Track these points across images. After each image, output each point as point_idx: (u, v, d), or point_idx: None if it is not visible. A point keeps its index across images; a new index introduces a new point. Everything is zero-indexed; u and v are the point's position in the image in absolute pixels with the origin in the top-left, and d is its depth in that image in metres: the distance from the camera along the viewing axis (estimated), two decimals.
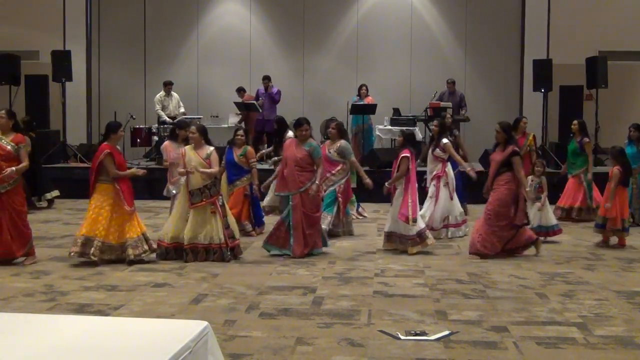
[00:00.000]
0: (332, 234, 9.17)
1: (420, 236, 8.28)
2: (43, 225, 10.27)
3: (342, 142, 9.51)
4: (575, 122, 10.97)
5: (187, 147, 8.06)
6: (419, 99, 15.71)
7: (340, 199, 9.31)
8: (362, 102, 14.17)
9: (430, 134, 10.33)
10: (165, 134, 12.72)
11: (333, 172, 9.29)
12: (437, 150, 9.43)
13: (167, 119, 14.31)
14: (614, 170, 8.73)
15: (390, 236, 8.50)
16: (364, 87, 14.39)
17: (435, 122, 9.95)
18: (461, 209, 9.64)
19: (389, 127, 14.09)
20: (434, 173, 9.41)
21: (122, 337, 3.14)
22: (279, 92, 14.74)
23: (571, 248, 8.73)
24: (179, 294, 6.42)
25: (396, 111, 14.48)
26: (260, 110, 14.39)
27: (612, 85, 14.30)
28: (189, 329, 3.20)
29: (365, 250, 8.54)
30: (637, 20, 15.66)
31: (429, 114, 14.03)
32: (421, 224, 8.36)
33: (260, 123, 14.50)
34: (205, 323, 3.29)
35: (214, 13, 17.02)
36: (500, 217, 8.08)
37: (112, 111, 15.19)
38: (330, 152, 9.38)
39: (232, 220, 8.09)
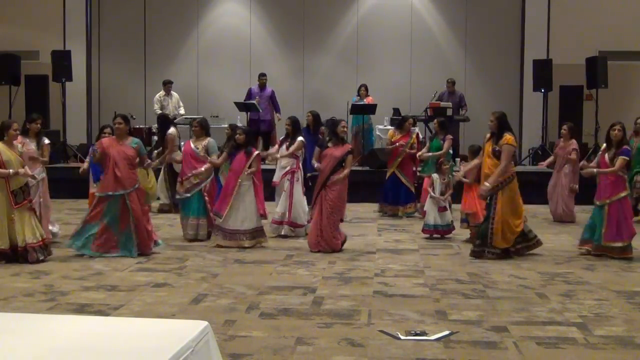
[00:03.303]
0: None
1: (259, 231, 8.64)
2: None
3: (210, 139, 9.29)
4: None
5: (0, 143, 7.75)
6: (419, 99, 15.72)
7: (206, 198, 9.10)
8: (362, 102, 14.17)
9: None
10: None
11: (198, 169, 9.02)
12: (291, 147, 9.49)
13: (159, 111, 14.33)
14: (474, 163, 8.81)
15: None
16: (363, 87, 14.38)
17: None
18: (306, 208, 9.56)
19: (389, 127, 14.09)
20: (287, 169, 9.45)
21: (122, 337, 3.14)
22: (273, 92, 14.76)
23: (571, 248, 8.72)
24: (179, 294, 6.42)
25: (396, 111, 14.48)
26: (261, 110, 14.37)
27: (612, 85, 14.31)
28: (189, 329, 3.19)
29: (365, 250, 8.54)
30: (637, 20, 15.67)
31: (428, 114, 14.03)
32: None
33: (255, 123, 14.35)
34: (205, 323, 3.29)
35: (214, 13, 17.03)
36: (338, 212, 8.56)
37: (112, 111, 15.12)
38: (197, 149, 9.15)
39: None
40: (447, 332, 5.28)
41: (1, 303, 6.08)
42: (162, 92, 14.69)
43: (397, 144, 11.08)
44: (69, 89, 15.30)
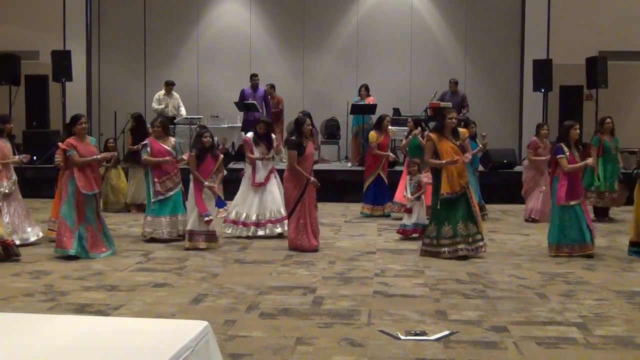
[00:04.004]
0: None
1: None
2: (44, 225, 10.25)
3: (173, 139, 9.32)
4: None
5: None
6: (419, 99, 15.72)
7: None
8: (362, 102, 14.16)
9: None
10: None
11: (176, 170, 9.12)
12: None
13: (159, 107, 14.36)
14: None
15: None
16: (363, 88, 14.36)
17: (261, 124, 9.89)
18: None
19: (389, 127, 14.07)
20: (270, 167, 9.51)
21: (122, 337, 3.14)
22: (266, 93, 14.77)
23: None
24: (179, 294, 6.42)
25: (396, 111, 14.48)
26: (261, 111, 14.37)
27: (612, 85, 14.31)
28: (189, 329, 3.19)
29: (365, 250, 8.54)
30: (637, 20, 15.67)
31: (429, 114, 14.03)
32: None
33: (251, 124, 14.28)
34: (205, 323, 3.29)
35: (214, 13, 17.03)
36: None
37: (112, 111, 15.21)
38: (171, 148, 9.15)
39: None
40: (447, 332, 5.28)
41: (1, 303, 6.09)
42: (162, 92, 14.68)
43: (386, 154, 11.17)
44: (69, 89, 15.29)
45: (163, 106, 14.51)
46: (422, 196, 9.27)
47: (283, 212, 9.19)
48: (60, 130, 15.05)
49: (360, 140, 14.31)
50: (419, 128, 10.83)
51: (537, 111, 15.04)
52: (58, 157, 8.35)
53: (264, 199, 9.36)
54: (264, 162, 9.44)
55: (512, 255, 8.26)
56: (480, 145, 11.15)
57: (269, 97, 14.75)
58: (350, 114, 14.32)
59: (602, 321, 5.63)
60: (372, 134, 11.37)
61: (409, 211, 9.31)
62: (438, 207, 8.01)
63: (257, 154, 9.42)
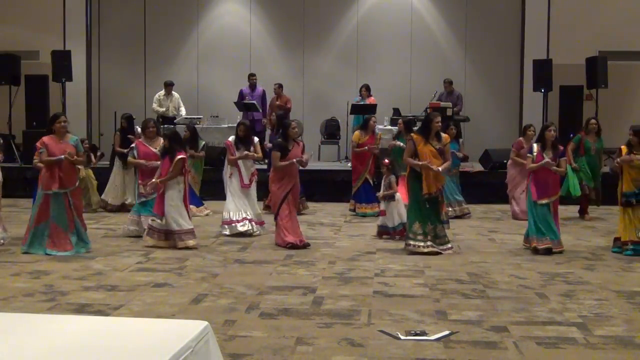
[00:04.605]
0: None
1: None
2: None
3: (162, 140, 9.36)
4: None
5: None
6: (419, 99, 15.73)
7: None
8: (363, 102, 14.16)
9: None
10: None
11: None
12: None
13: (161, 109, 14.36)
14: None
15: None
16: (364, 88, 14.34)
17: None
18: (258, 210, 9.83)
19: (389, 127, 14.09)
20: (253, 170, 9.68)
21: (122, 337, 3.13)
22: (264, 92, 14.77)
23: (571, 248, 8.73)
24: (179, 294, 6.42)
25: (396, 111, 14.48)
26: (260, 110, 14.38)
27: (612, 85, 14.31)
28: (190, 329, 3.19)
29: (365, 250, 8.54)
30: (637, 20, 15.67)
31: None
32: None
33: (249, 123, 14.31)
34: (205, 323, 3.29)
35: (214, 13, 17.03)
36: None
37: (112, 111, 15.20)
38: (156, 150, 9.25)
39: None
40: (447, 332, 5.28)
41: (1, 303, 6.08)
42: (162, 92, 14.69)
43: (367, 147, 11.19)
44: (69, 89, 15.30)
45: (164, 109, 14.51)
46: (398, 196, 9.27)
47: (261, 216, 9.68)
48: None
49: None
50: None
51: (537, 111, 15.04)
52: (36, 159, 8.39)
53: (250, 201, 9.59)
54: (246, 164, 9.61)
55: (512, 255, 8.27)
56: (460, 155, 11.37)
57: (277, 96, 14.76)
58: (350, 114, 14.32)
59: (602, 321, 5.63)
60: (356, 134, 11.49)
61: (382, 213, 9.38)
62: (412, 205, 8.34)
63: (235, 155, 9.62)
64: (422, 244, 8.21)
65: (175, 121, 14.11)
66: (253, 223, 9.50)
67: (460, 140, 11.52)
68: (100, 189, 11.85)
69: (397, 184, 9.31)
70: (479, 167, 13.75)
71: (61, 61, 14.72)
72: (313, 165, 13.50)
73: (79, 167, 9.98)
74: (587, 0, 15.89)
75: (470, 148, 15.29)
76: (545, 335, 5.26)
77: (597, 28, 15.55)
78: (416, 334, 5.23)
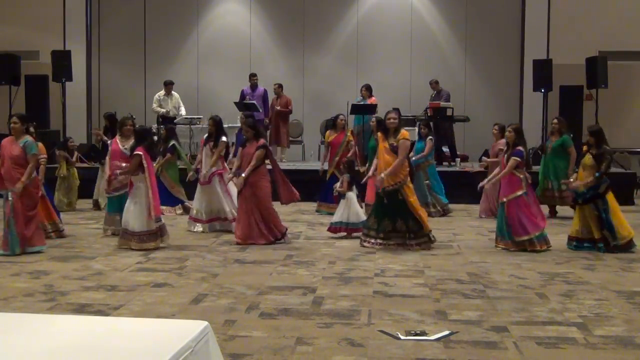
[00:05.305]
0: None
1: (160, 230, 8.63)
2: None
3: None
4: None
5: None
6: (419, 99, 15.73)
7: None
8: (363, 102, 14.14)
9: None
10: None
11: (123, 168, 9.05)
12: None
13: (161, 110, 14.36)
14: None
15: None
16: (364, 88, 14.31)
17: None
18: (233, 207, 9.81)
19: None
20: (214, 170, 9.73)
21: (122, 337, 3.13)
22: (265, 92, 14.77)
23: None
24: (179, 294, 6.42)
25: (396, 111, 14.43)
26: (261, 110, 14.38)
27: (612, 85, 14.31)
28: (189, 329, 3.19)
29: (365, 251, 8.54)
30: (637, 20, 15.67)
31: (428, 114, 14.02)
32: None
33: None
34: (205, 323, 3.29)
35: (214, 13, 17.04)
36: (270, 203, 8.93)
37: (112, 111, 15.17)
38: (125, 149, 9.17)
39: None
40: (447, 332, 5.28)
41: (1, 303, 6.08)
42: (162, 92, 14.69)
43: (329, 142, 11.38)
44: (69, 89, 15.31)
45: (165, 110, 14.51)
46: (350, 194, 9.29)
47: (229, 214, 9.68)
48: (60, 131, 15.07)
49: (360, 140, 14.27)
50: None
51: (537, 111, 15.05)
52: None
53: (212, 198, 9.72)
54: (206, 161, 9.76)
55: (512, 255, 8.26)
56: (425, 152, 11.38)
57: (277, 96, 14.73)
58: (351, 114, 14.30)
59: (602, 321, 5.63)
60: (327, 132, 11.74)
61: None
62: (375, 200, 8.75)
63: (202, 154, 9.88)
64: (372, 240, 8.60)
65: (175, 121, 14.11)
66: (215, 223, 9.70)
67: (429, 137, 11.45)
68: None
69: (353, 183, 9.48)
70: (478, 167, 13.74)
71: (61, 61, 14.73)
72: (313, 165, 13.51)
73: (69, 165, 10.15)
74: (587, 1, 15.89)
75: (470, 148, 15.33)
76: (545, 335, 5.26)
77: (597, 28, 15.55)
78: (416, 334, 5.23)
